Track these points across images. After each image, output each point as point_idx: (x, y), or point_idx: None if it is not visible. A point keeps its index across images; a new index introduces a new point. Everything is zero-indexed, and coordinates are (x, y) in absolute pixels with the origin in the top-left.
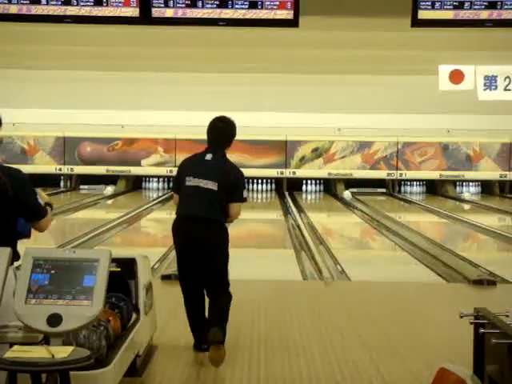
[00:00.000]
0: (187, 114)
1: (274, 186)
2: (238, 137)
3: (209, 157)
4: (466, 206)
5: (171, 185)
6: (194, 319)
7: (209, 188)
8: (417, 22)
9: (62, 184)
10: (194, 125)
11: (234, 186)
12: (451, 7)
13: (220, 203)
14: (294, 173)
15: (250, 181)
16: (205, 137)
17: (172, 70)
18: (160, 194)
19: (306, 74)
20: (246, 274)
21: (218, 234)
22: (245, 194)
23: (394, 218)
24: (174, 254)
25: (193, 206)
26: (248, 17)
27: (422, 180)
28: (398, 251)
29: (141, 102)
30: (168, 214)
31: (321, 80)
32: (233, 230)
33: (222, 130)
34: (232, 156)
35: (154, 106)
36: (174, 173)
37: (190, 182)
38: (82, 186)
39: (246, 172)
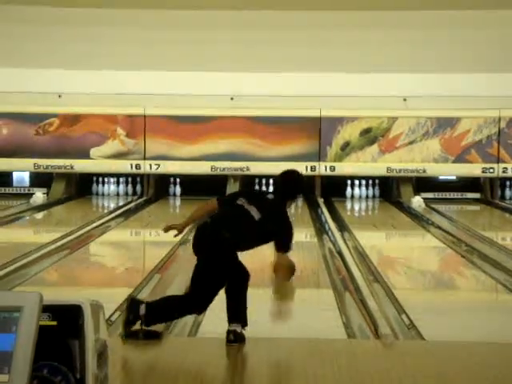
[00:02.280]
0: (163, 76)
1: None
2: (246, 113)
3: (270, 196)
4: None
5: (138, 188)
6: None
7: (251, 214)
8: None
9: None
10: (175, 92)
11: (281, 237)
12: None
13: (250, 233)
14: (332, 168)
15: (265, 181)
16: (192, 113)
17: (138, 5)
18: (121, 203)
19: (346, 10)
20: (262, 328)
21: (225, 251)
22: (291, 246)
23: (493, 240)
24: (142, 298)
25: (225, 221)
26: None
27: None
28: (501, 294)
29: (90, 57)
30: (133, 235)
31: (372, 20)
32: (242, 259)
33: (290, 187)
34: (239, 143)
35: (110, 62)
36: (143, 169)
37: (240, 201)
38: None
39: (259, 168)
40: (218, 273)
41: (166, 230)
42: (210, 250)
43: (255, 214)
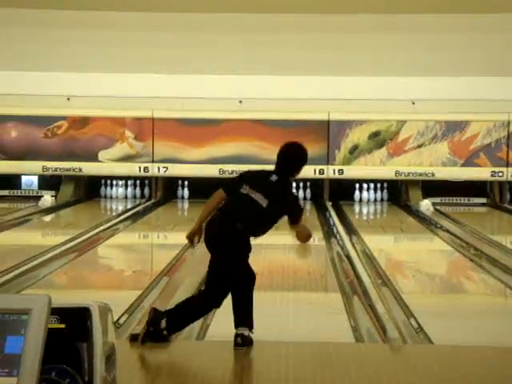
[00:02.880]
0: (172, 79)
1: (309, 192)
2: (254, 116)
3: (273, 178)
4: None
5: (146, 191)
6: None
7: (258, 202)
8: None
9: None
10: (183, 95)
11: (292, 211)
12: None
13: (259, 221)
14: (341, 171)
15: None
16: (200, 116)
17: (148, 8)
18: (129, 206)
19: (355, 14)
20: (270, 332)
21: (239, 244)
22: (301, 213)
23: (501, 244)
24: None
25: (233, 213)
26: None
27: None
28: (510, 298)
29: (98, 60)
30: (141, 237)
31: (381, 23)
32: (250, 261)
33: (292, 160)
34: (247, 146)
35: (118, 65)
36: (151, 172)
37: (245, 190)
38: (1, 193)
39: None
40: (235, 266)
41: (191, 239)
42: (226, 243)
43: (262, 201)
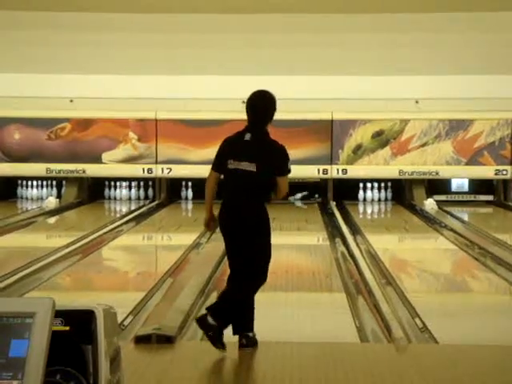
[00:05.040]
0: (175, 80)
1: (313, 191)
2: None
3: (247, 137)
4: None
5: (150, 192)
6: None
7: (248, 170)
8: None
9: None
10: (186, 96)
11: (277, 163)
12: None
13: (260, 186)
14: (344, 171)
15: None
16: (203, 116)
17: (151, 9)
18: (133, 208)
19: (357, 13)
20: (275, 332)
21: (255, 219)
22: (289, 166)
23: (506, 243)
24: (154, 302)
25: (233, 193)
26: None
27: None
28: None
29: (101, 62)
30: (145, 239)
31: (384, 22)
32: None
33: (260, 107)
34: None
35: (121, 66)
36: (155, 174)
37: (231, 165)
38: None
39: None
40: (265, 236)
41: (209, 226)
42: (243, 222)
43: (251, 167)
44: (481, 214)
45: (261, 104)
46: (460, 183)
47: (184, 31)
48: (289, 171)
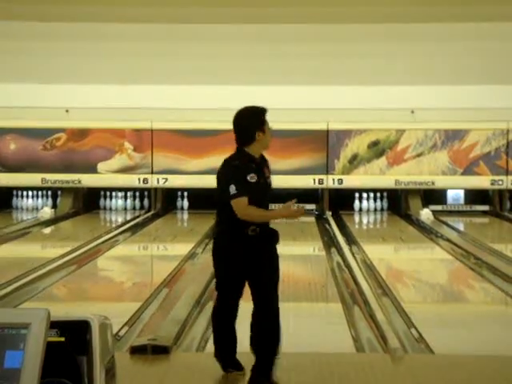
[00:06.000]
0: (170, 90)
1: (309, 202)
2: None
3: (235, 162)
4: None
5: (145, 202)
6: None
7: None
8: None
9: None
10: (182, 106)
11: (223, 185)
12: None
13: (220, 211)
14: (340, 181)
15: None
16: (199, 126)
17: (146, 19)
18: (128, 218)
19: (353, 24)
20: None
21: (219, 246)
22: (231, 189)
23: (502, 253)
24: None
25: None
26: None
27: None
28: (511, 306)
29: (97, 72)
30: (140, 249)
31: (380, 33)
32: None
33: (236, 127)
34: None
35: (117, 76)
36: (151, 184)
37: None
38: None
39: None
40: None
41: (298, 212)
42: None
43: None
44: (477, 224)
45: (236, 123)
46: (456, 196)
47: (180, 41)
48: (235, 195)
